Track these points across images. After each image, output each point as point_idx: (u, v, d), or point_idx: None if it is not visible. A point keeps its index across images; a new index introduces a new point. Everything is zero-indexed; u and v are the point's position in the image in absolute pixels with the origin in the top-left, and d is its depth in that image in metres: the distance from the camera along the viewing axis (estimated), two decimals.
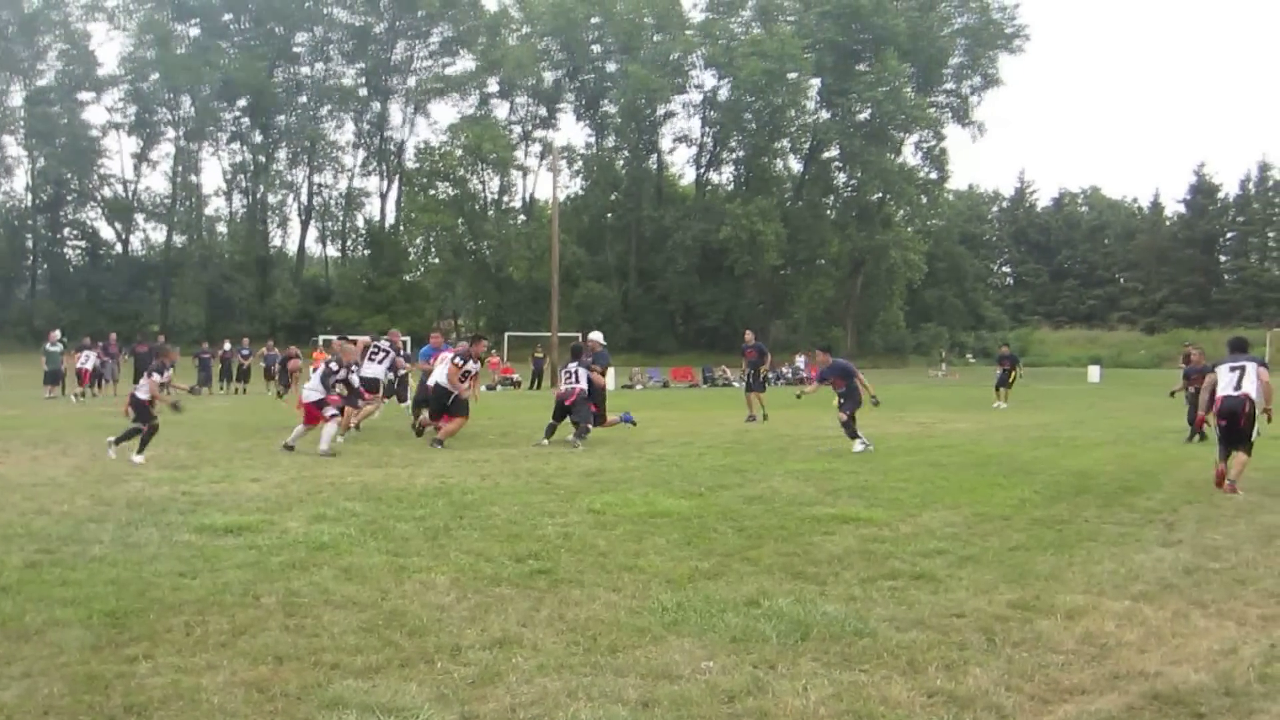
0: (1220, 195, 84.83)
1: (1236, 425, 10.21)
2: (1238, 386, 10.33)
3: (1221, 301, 79.67)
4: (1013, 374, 26.78)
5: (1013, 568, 6.39)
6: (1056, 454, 13.61)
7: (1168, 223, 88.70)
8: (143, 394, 11.94)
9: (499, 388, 35.00)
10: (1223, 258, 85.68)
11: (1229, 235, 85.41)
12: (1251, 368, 10.43)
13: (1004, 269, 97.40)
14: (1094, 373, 48.68)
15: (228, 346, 32.73)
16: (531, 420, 17.60)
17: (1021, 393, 28.06)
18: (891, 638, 4.82)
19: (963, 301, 78.82)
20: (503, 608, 5.32)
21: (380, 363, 16.04)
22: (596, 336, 16.69)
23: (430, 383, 14.46)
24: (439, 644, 4.67)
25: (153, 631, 4.82)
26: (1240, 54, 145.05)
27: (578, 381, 14.54)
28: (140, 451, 11.60)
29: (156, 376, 12.00)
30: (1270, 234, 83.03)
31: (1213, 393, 10.58)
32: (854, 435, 13.65)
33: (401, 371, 17.35)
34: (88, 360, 27.06)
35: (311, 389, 13.44)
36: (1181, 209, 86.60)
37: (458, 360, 13.82)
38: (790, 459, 12.56)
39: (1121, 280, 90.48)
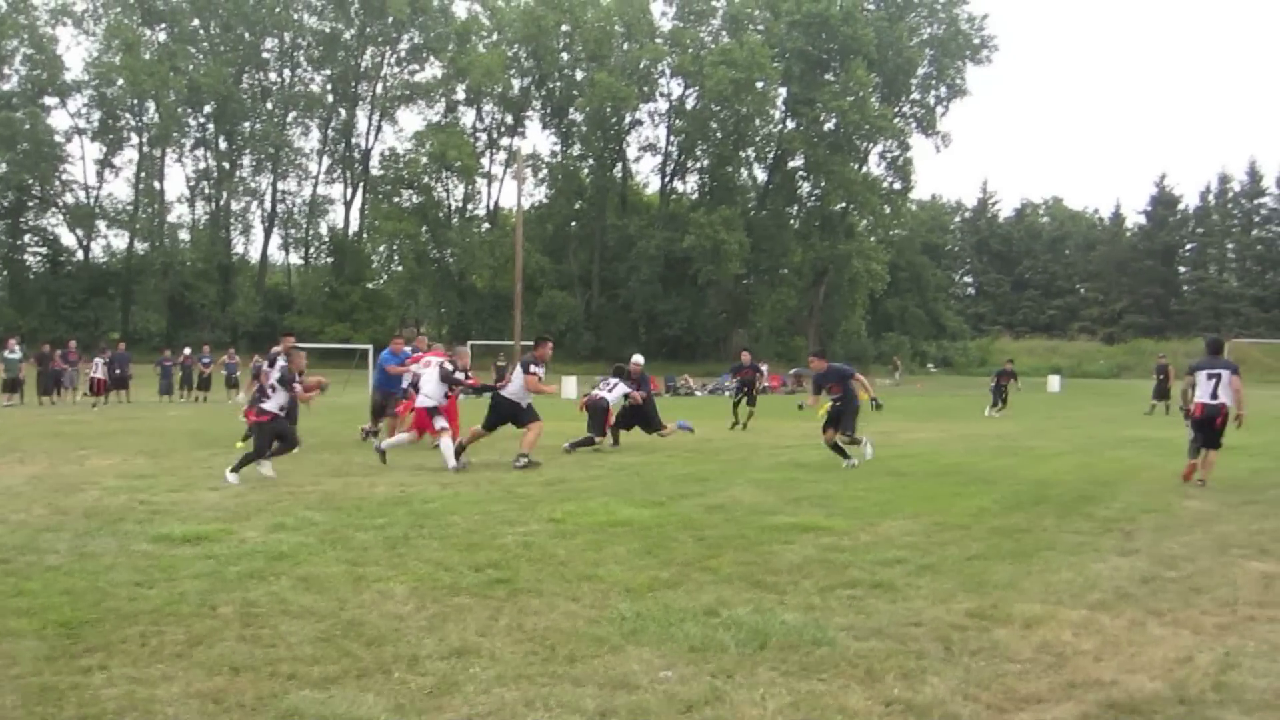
0: (1180, 207, 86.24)
1: (1212, 427, 11.39)
2: (1214, 395, 11.43)
3: (1180, 312, 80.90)
4: (1008, 388, 27.30)
5: (971, 577, 6.44)
6: (1016, 463, 13.74)
7: (1128, 234, 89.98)
8: (272, 407, 11.20)
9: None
10: (1182, 269, 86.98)
11: (1188, 247, 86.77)
12: (1226, 375, 11.45)
13: (966, 279, 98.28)
14: (1054, 382, 49.24)
15: (187, 353, 32.40)
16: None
17: (981, 403, 28.29)
18: (850, 647, 4.84)
19: (924, 311, 79.48)
20: (461, 617, 5.30)
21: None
22: (639, 360, 16.74)
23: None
24: (397, 654, 4.64)
25: (108, 642, 4.76)
26: (1201, 66, 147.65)
27: (608, 394, 15.03)
28: (249, 467, 10.98)
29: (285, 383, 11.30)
30: (1229, 245, 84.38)
31: (1192, 391, 11.80)
32: (853, 442, 12.98)
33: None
34: (98, 369, 27.89)
35: (426, 395, 12.75)
36: (1142, 220, 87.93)
37: (532, 369, 12.93)
38: (752, 468, 12.60)
39: (1082, 290, 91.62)
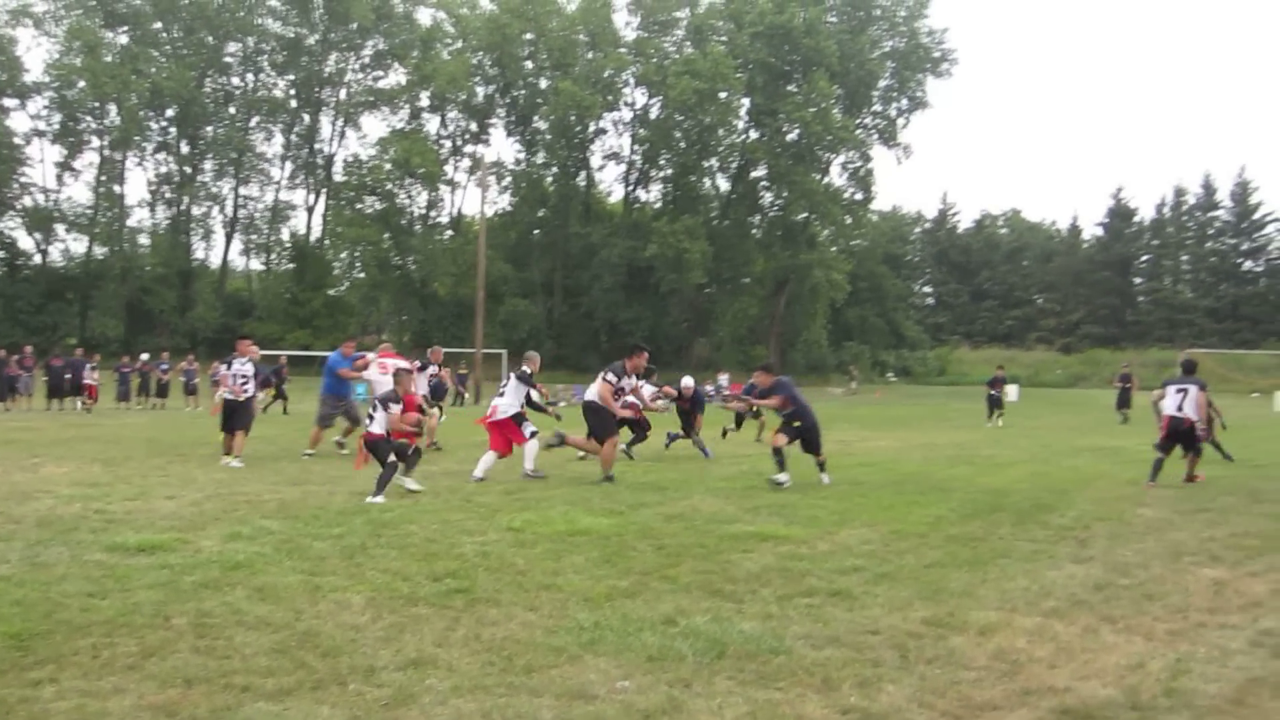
0: (1136, 219, 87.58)
1: (1181, 438, 12.54)
2: (1180, 408, 12.45)
3: (1135, 323, 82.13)
4: (1001, 395, 27.41)
5: (928, 585, 6.49)
6: (972, 472, 13.88)
7: (1085, 245, 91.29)
8: (378, 429, 10.59)
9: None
10: (1137, 280, 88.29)
11: (1144, 258, 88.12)
12: (1193, 390, 12.45)
13: (925, 289, 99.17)
14: (1011, 392, 49.71)
15: (145, 359, 32.01)
16: (454, 439, 17.45)
17: (939, 412, 28.57)
18: (807, 655, 4.87)
19: (884, 321, 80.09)
20: (418, 627, 5.27)
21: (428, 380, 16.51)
22: (688, 383, 16.73)
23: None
24: (353, 665, 4.60)
25: (59, 654, 4.68)
26: (1159, 81, 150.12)
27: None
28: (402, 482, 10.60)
29: (393, 407, 10.67)
30: (1184, 258, 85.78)
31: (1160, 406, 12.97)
32: (780, 466, 11.84)
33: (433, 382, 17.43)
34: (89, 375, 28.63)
35: (509, 404, 12.25)
36: (1099, 232, 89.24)
37: (610, 377, 12.13)
38: (711, 477, 12.62)
39: (1039, 301, 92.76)
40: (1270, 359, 56.39)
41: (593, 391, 12.33)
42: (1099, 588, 6.51)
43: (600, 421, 12.03)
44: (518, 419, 12.18)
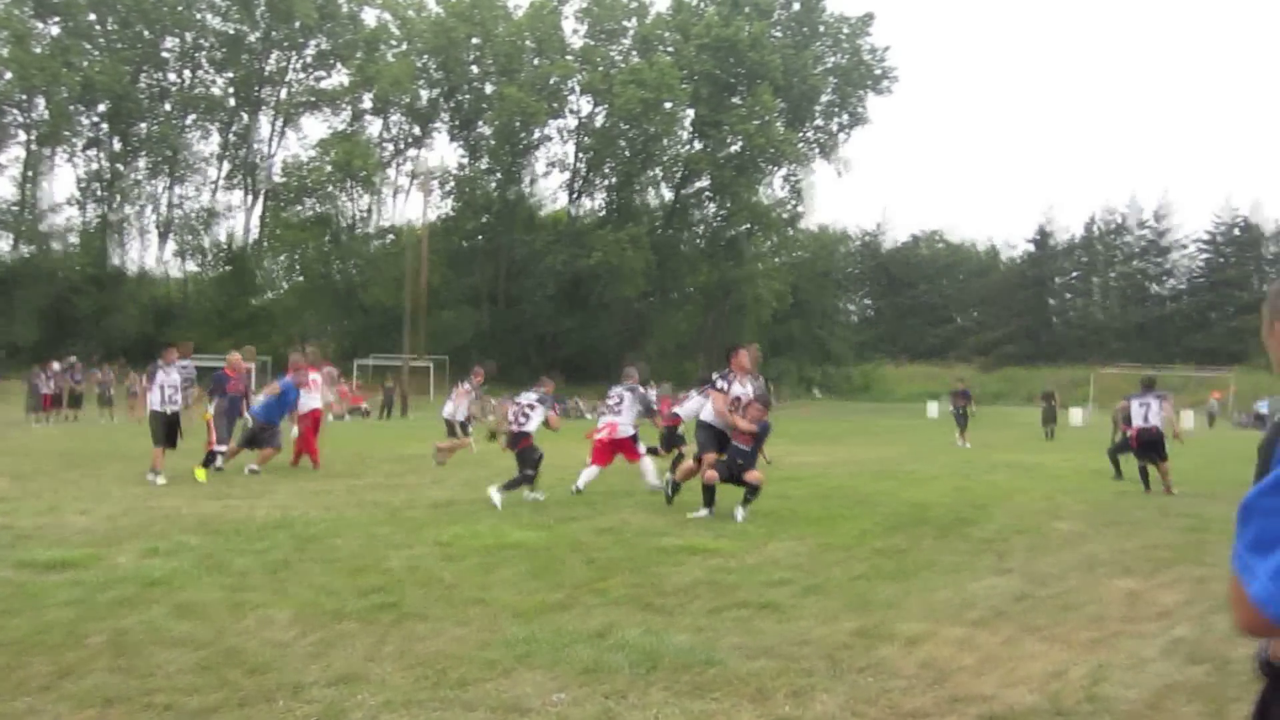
0: (1062, 240, 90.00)
1: (1153, 446, 13.68)
2: (1146, 420, 13.76)
3: (1050, 342, 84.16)
4: (968, 410, 26.23)
5: (856, 596, 6.57)
6: (897, 486, 14.09)
7: (1009, 265, 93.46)
8: (532, 428, 11.16)
9: (347, 417, 34.21)
10: (1053, 299, 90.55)
11: (1065, 279, 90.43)
12: (1155, 404, 13.85)
13: (857, 305, 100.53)
14: (932, 408, 50.67)
15: (57, 367, 30.98)
16: (381, 451, 17.25)
17: (865, 426, 28.94)
18: (740, 666, 4.90)
19: (813, 336, 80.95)
20: (346, 643, 5.17)
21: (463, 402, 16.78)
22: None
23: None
24: (279, 682, 4.50)
25: None
26: (1088, 103, 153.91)
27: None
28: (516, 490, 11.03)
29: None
30: (1108, 277, 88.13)
31: (1129, 419, 14.11)
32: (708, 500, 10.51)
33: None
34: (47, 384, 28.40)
35: (626, 423, 12.06)
36: (1027, 251, 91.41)
37: (720, 385, 10.43)
38: (641, 490, 12.62)
39: (958, 320, 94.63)
40: (1179, 379, 58.18)
41: (707, 412, 10.64)
42: (1020, 598, 6.65)
43: (712, 439, 10.36)
44: (634, 439, 12.03)
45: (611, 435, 12.01)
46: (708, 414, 10.51)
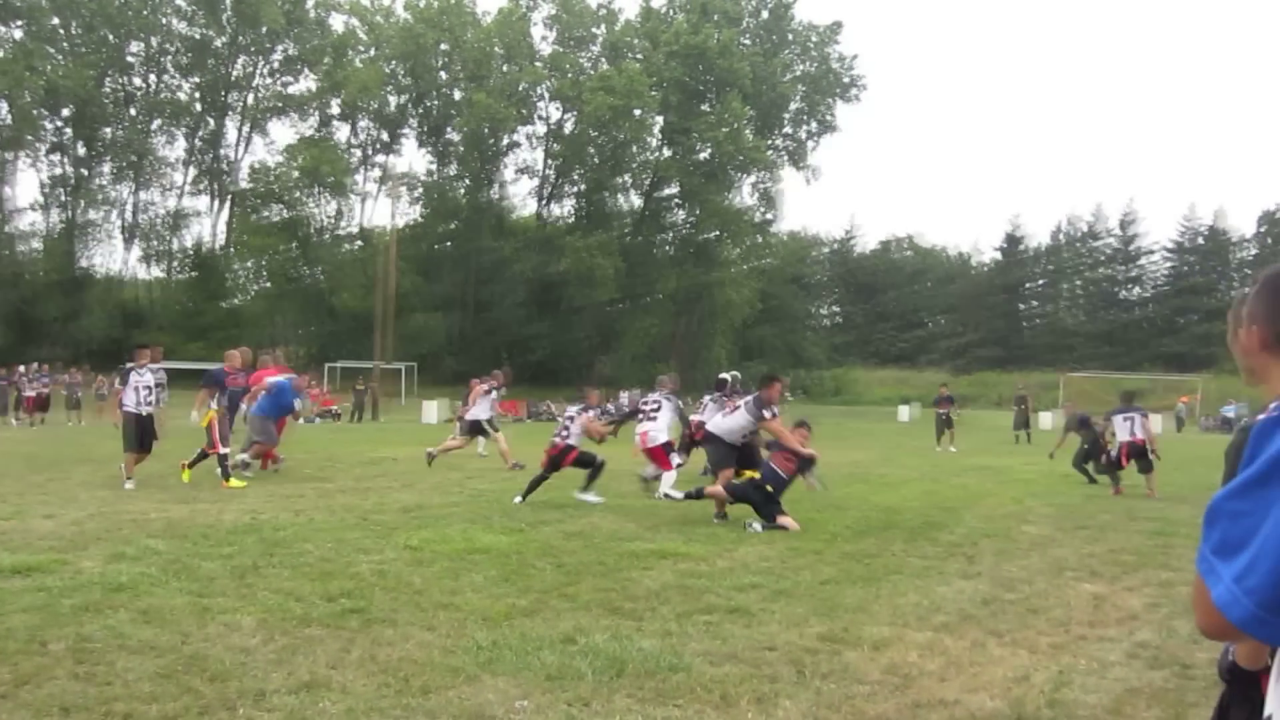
0: (1031, 245, 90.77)
1: (1141, 456, 14.18)
2: (1132, 434, 14.18)
3: (1021, 347, 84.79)
4: (951, 415, 26.04)
5: (823, 601, 6.59)
6: (866, 490, 14.16)
7: (980, 270, 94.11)
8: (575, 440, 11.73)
9: (318, 420, 34.06)
10: (1023, 305, 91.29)
11: (1035, 284, 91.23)
12: (1138, 418, 14.37)
13: (829, 310, 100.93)
14: (903, 412, 50.93)
15: (22, 371, 30.64)
16: (350, 454, 17.16)
17: (836, 430, 29.00)
18: (705, 672, 4.90)
19: (785, 341, 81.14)
20: (312, 649, 5.13)
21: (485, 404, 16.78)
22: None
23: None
24: (242, 689, 4.46)
25: None
26: (1054, 112, 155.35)
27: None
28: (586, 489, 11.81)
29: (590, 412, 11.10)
30: (1076, 283, 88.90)
31: (1114, 434, 14.63)
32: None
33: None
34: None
35: (659, 429, 11.91)
36: (997, 256, 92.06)
37: (766, 414, 10.71)
38: (611, 494, 12.60)
39: (929, 325, 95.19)
40: (1147, 383, 58.71)
41: (716, 424, 11.13)
42: (986, 602, 6.69)
43: (730, 454, 10.91)
44: (667, 447, 11.92)
45: (644, 444, 12.03)
46: (716, 426, 11.06)
